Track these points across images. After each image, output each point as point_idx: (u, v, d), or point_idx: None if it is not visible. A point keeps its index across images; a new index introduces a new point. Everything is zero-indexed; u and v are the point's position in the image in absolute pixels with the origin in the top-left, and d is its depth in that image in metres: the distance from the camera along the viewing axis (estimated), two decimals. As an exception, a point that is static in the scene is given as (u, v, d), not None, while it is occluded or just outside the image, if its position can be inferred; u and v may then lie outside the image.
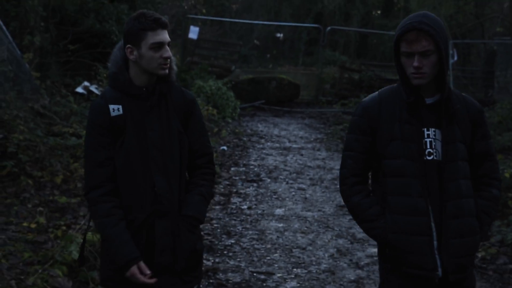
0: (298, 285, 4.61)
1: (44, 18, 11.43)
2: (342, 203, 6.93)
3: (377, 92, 2.64)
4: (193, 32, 16.35)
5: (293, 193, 7.41)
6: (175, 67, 2.68)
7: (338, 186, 7.56)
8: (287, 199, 7.10)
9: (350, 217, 6.43)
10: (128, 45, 2.54)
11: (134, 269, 2.46)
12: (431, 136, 2.47)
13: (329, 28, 18.37)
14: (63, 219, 5.28)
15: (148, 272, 2.47)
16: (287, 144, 10.75)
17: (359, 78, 17.17)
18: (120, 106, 2.56)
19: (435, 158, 2.45)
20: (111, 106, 2.55)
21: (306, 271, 4.90)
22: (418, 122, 2.47)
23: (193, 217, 2.63)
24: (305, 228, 6.04)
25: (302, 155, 9.89)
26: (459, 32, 23.53)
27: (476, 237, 2.48)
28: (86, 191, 2.58)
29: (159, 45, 2.50)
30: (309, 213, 6.57)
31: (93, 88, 11.55)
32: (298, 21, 29.60)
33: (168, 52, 2.52)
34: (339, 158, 9.53)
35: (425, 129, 2.47)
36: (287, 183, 7.87)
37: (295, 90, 16.29)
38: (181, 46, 17.19)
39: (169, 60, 2.55)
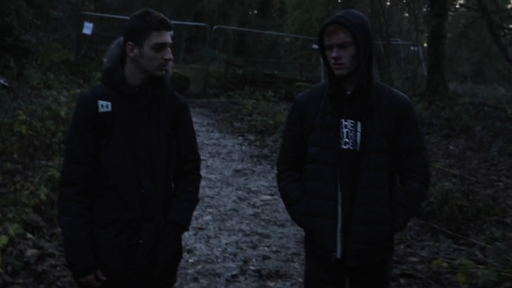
0: (212, 218, 6.17)
1: None
2: (238, 168, 8.62)
3: (311, 87, 2.78)
4: (87, 28, 17.30)
5: (197, 162, 8.94)
6: (170, 71, 2.61)
7: (232, 157, 9.23)
8: (193, 166, 8.62)
9: (246, 177, 8.12)
10: (130, 42, 2.47)
11: (91, 276, 2.50)
12: (348, 127, 2.53)
13: (215, 27, 20.03)
14: (16, 178, 6.42)
15: (104, 278, 2.53)
16: (184, 128, 12.25)
17: (243, 72, 18.99)
18: (109, 103, 2.49)
19: (350, 147, 2.53)
20: (100, 102, 2.49)
21: (216, 210, 6.47)
22: (337, 113, 2.55)
23: (180, 224, 2.59)
24: (211, 185, 7.60)
25: (199, 135, 11.44)
26: (329, 33, 26.07)
27: (384, 227, 2.56)
28: (61, 185, 2.54)
29: (162, 46, 2.46)
30: (212, 175, 8.14)
31: (2, 81, 12.22)
32: (179, 19, 30.71)
33: (169, 54, 2.48)
34: (230, 138, 11.30)
35: (343, 120, 2.54)
36: (190, 155, 9.39)
37: (185, 83, 17.79)
38: (76, 41, 18.04)
39: (170, 62, 2.52)
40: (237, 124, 12.95)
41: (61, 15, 17.03)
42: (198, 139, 11.12)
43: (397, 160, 2.60)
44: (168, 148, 2.58)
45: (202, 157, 8.92)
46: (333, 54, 2.48)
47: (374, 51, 2.67)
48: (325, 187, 2.57)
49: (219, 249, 5.25)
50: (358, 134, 2.53)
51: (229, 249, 5.25)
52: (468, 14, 27.89)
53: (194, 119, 11.12)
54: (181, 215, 2.60)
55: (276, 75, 20.32)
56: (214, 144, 10.64)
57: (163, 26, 2.47)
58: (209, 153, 9.75)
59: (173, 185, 2.68)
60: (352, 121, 2.54)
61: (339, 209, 2.56)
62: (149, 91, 2.52)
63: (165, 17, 2.50)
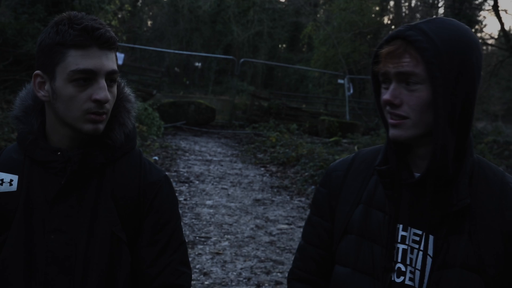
0: (229, 244, 6.40)
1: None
2: (258, 197, 8.86)
3: (356, 152, 1.61)
4: (119, 58, 17.91)
5: (218, 191, 9.21)
6: (129, 121, 1.54)
7: (253, 187, 9.47)
8: (214, 194, 8.88)
9: (265, 206, 8.35)
10: (38, 72, 1.44)
11: None
12: (409, 241, 1.38)
13: (242, 60, 20.53)
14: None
15: None
16: (208, 157, 12.55)
17: (268, 105, 19.33)
18: (15, 178, 1.50)
19: (409, 283, 1.37)
20: (0, 175, 1.50)
21: (234, 237, 6.70)
22: (393, 210, 1.39)
23: None
24: (230, 213, 7.84)
25: (222, 165, 11.75)
26: (355, 68, 26.52)
27: None
28: None
29: (88, 76, 1.39)
30: (232, 204, 8.39)
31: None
32: (209, 51, 31.41)
33: (103, 91, 1.39)
34: (252, 168, 11.56)
35: (401, 225, 1.39)
36: (213, 184, 9.66)
37: (211, 114, 18.19)
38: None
39: (106, 105, 1.42)
40: (260, 155, 13.22)
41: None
42: (221, 168, 11.54)
43: None
44: (111, 263, 1.48)
45: (224, 186, 9.28)
46: (386, 96, 1.34)
47: (474, 102, 1.36)
48: None
49: (234, 273, 5.47)
50: (428, 260, 1.35)
51: (243, 274, 5.47)
52: (499, 53, 28.03)
53: (218, 149, 11.62)
54: None
55: (300, 109, 20.64)
56: (237, 174, 10.92)
57: (91, 39, 1.38)
58: (230, 182, 10.02)
59: None
60: (419, 232, 1.37)
61: None
62: (74, 156, 1.45)
63: (98, 24, 1.41)
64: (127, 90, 1.59)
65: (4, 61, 13.30)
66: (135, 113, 1.58)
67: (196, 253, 5.96)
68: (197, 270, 5.43)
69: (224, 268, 5.59)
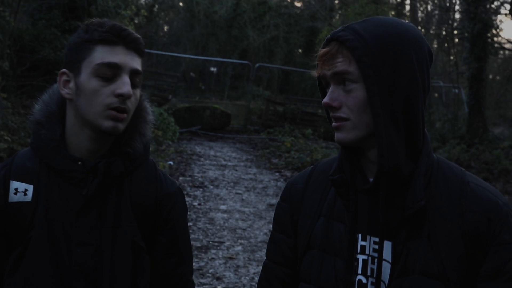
0: (243, 249, 6.41)
1: (7, 46, 12.85)
2: (272, 202, 8.87)
3: (316, 163, 1.58)
4: (135, 64, 18.04)
5: (232, 196, 9.23)
6: (147, 132, 1.57)
7: (267, 192, 9.49)
8: (228, 199, 8.90)
9: (278, 211, 8.36)
10: (64, 70, 1.47)
11: None
12: (368, 251, 1.32)
13: (257, 65, 20.58)
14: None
15: None
16: (223, 162, 12.59)
17: (283, 110, 19.35)
18: (30, 187, 1.45)
19: None
20: (14, 184, 1.46)
21: (247, 241, 6.71)
22: (350, 220, 1.33)
23: None
24: (244, 218, 7.86)
25: (236, 170, 11.78)
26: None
27: None
28: None
29: (113, 71, 1.41)
30: (246, 209, 8.40)
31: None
32: (225, 56, 31.47)
33: (126, 86, 1.41)
34: (267, 173, 11.56)
35: (360, 235, 1.33)
36: (227, 189, 9.69)
37: (226, 119, 18.25)
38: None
39: (128, 103, 1.43)
40: (275, 161, 13.23)
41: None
42: (236, 173, 11.54)
43: None
44: (135, 271, 1.50)
45: (238, 191, 9.30)
46: (324, 99, 1.32)
47: (423, 103, 1.29)
48: None
49: (247, 277, 5.47)
50: (386, 267, 1.30)
51: (256, 278, 5.46)
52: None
53: (233, 154, 11.70)
54: None
55: (316, 114, 20.63)
56: (251, 179, 10.94)
57: (118, 37, 1.43)
58: (245, 187, 10.04)
59: None
60: (377, 240, 1.32)
61: None
62: (101, 167, 1.45)
63: (128, 28, 1.45)
64: (146, 104, 1.61)
65: (21, 66, 13.46)
66: (151, 125, 1.60)
67: (209, 257, 5.97)
68: (210, 275, 5.44)
69: (237, 272, 5.60)
